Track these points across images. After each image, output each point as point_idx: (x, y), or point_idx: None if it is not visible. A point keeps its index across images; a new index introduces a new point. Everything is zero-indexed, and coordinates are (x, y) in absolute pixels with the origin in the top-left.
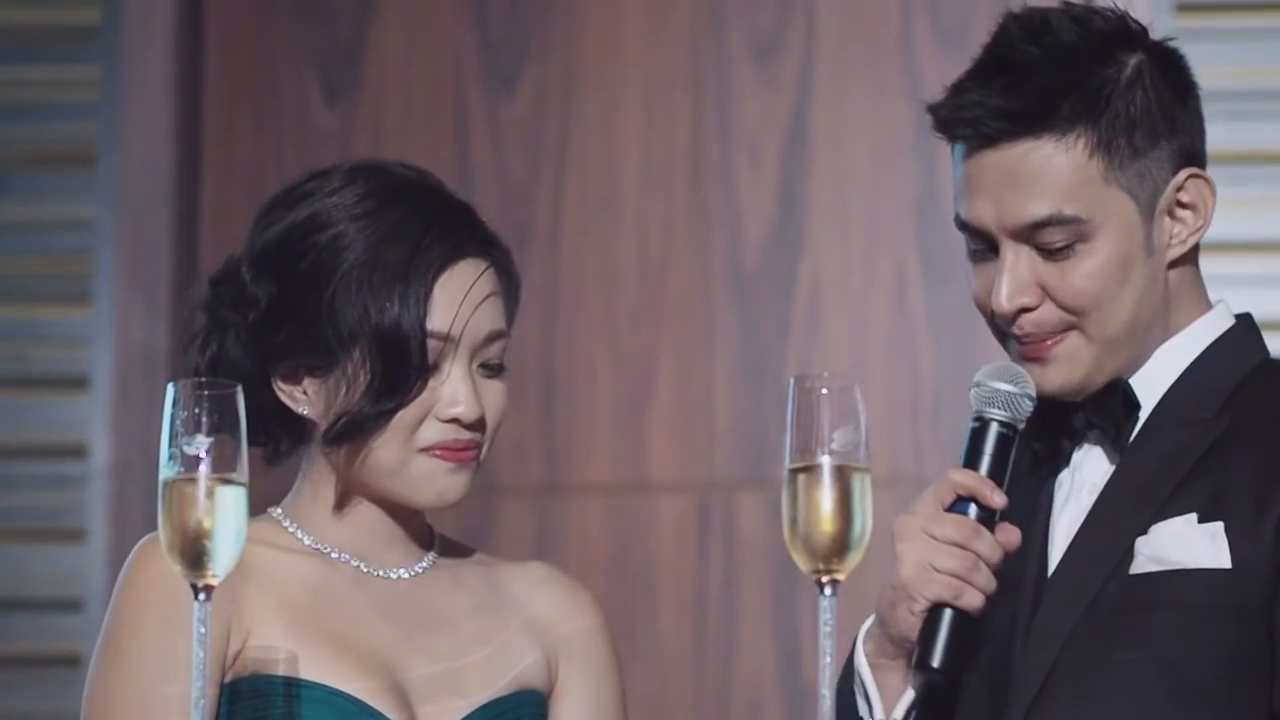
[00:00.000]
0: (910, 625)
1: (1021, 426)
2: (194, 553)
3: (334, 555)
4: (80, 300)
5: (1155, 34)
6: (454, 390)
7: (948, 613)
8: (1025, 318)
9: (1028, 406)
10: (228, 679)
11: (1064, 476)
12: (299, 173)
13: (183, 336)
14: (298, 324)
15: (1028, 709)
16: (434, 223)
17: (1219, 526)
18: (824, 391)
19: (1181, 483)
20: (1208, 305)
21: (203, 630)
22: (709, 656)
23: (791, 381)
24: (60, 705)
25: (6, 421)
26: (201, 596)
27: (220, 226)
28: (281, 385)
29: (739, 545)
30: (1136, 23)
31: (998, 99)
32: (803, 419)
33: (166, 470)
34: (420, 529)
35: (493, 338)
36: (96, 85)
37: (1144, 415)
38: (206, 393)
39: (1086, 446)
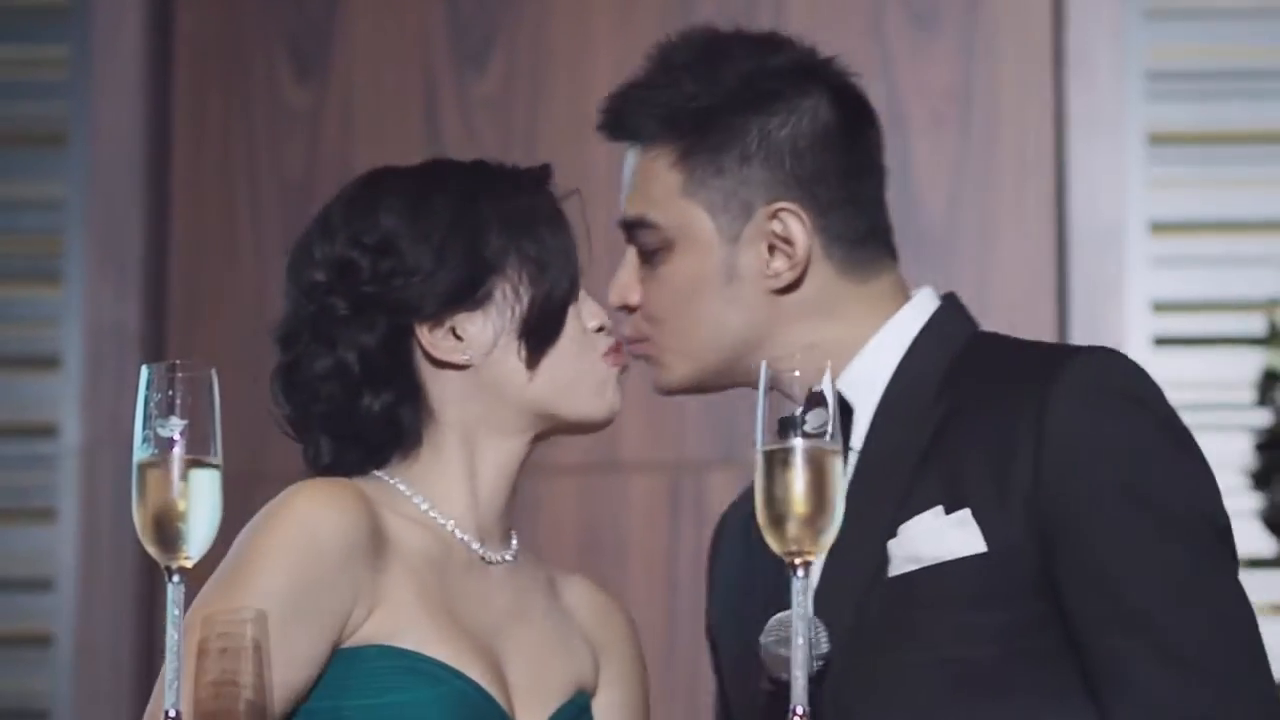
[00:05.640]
0: None
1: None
2: (167, 535)
3: (454, 531)
4: (50, 279)
5: (1126, 15)
6: (590, 305)
7: None
8: (628, 319)
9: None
10: (350, 644)
11: None
12: (269, 151)
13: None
14: (444, 273)
15: None
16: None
17: (966, 514)
18: (796, 374)
19: (914, 478)
20: (901, 301)
21: (176, 613)
22: (680, 635)
23: (763, 364)
24: (31, 685)
25: None
26: (175, 579)
27: (191, 205)
28: (429, 336)
29: (710, 524)
30: (818, 59)
31: (615, 103)
32: (775, 401)
33: (140, 452)
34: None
35: None
36: (66, 64)
37: (866, 416)
38: (180, 375)
39: None
